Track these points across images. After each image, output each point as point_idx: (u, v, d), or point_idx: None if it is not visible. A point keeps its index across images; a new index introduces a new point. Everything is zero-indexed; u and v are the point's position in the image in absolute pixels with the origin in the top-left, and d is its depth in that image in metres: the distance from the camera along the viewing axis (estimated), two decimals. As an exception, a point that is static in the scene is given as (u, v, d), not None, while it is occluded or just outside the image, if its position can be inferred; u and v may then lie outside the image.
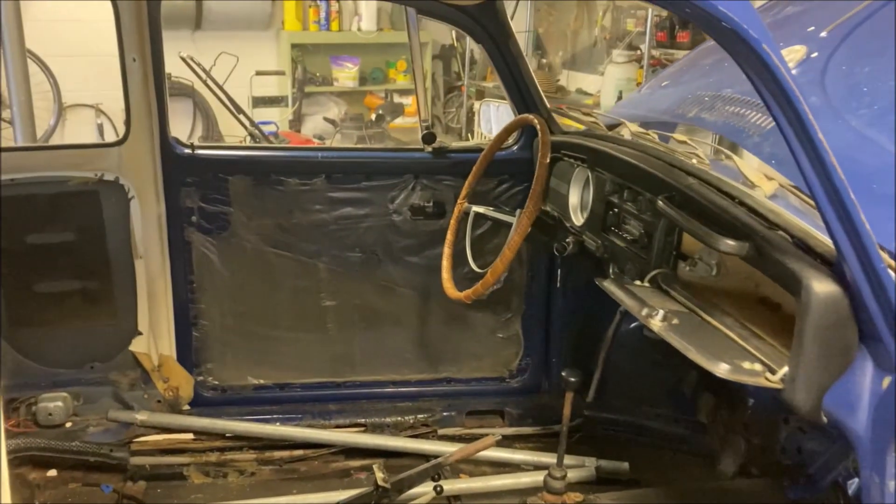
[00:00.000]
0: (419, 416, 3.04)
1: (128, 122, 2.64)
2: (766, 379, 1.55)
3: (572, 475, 2.66)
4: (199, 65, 5.83)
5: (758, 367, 1.59)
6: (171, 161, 2.69)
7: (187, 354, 2.89)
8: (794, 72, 2.06)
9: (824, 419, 1.49)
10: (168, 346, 2.86)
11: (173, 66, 6.00)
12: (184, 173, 2.72)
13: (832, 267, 1.46)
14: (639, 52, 5.90)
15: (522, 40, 7.25)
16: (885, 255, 1.52)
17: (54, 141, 6.46)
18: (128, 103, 2.60)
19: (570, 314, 3.07)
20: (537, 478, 2.55)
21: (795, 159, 1.35)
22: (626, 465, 2.79)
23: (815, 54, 2.06)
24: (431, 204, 2.90)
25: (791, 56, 2.10)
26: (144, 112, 2.61)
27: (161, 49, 2.55)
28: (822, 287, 1.43)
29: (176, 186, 2.72)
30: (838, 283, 1.43)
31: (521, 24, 7.13)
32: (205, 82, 5.91)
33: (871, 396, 1.39)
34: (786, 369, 1.53)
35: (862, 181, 1.67)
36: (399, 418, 3.02)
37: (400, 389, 3.10)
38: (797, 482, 2.41)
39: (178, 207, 2.75)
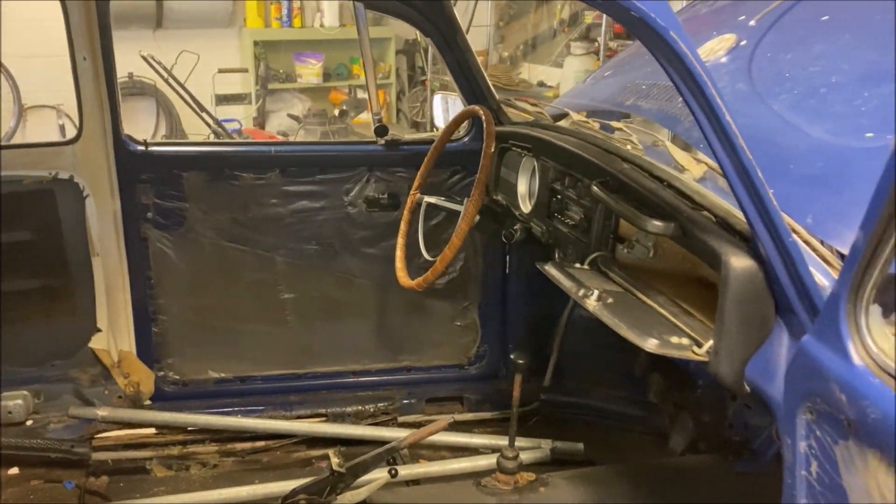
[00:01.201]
0: (380, 404, 3.09)
1: (80, 121, 2.66)
2: (693, 352, 1.63)
3: (528, 456, 2.73)
4: (160, 63, 5.82)
5: (685, 341, 1.67)
6: (125, 158, 2.72)
7: (147, 350, 2.92)
8: (724, 60, 2.15)
9: (747, 388, 1.56)
10: (128, 342, 2.89)
11: (134, 66, 5.99)
12: (138, 170, 2.75)
13: (749, 243, 1.54)
14: (596, 44, 5.99)
15: (483, 34, 7.32)
16: (802, 231, 1.60)
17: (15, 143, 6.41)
18: (80, 102, 2.63)
19: (526, 301, 3.14)
20: (493, 460, 2.61)
21: (707, 141, 1.42)
22: (580, 445, 2.86)
23: (743, 42, 2.14)
24: (386, 196, 2.96)
25: (721, 45, 2.18)
26: (97, 110, 2.64)
27: (111, 47, 2.58)
28: (739, 262, 1.50)
29: (131, 183, 2.75)
30: (754, 259, 1.50)
31: (482, 18, 7.19)
32: (166, 81, 5.90)
33: (787, 365, 1.46)
34: (711, 342, 1.60)
35: (782, 162, 1.76)
36: (360, 407, 3.07)
37: (360, 379, 3.15)
38: (743, 456, 2.50)
39: (134, 204, 2.78)
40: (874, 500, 1.21)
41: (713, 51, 2.15)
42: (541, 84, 6.85)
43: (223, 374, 3.03)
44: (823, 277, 1.45)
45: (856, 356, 1.16)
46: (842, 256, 1.53)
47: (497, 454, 2.58)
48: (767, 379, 1.50)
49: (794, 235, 1.49)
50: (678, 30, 1.33)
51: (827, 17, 2.03)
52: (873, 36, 1.89)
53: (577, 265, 2.11)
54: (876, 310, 1.17)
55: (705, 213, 1.71)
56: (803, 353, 1.32)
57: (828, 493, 1.30)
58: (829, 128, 1.72)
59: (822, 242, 1.55)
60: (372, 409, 3.08)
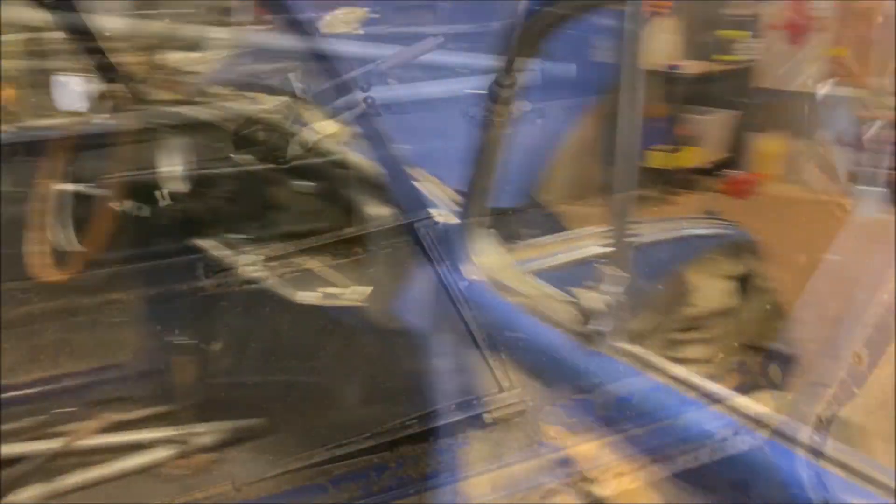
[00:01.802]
0: (35, 417, 2.82)
1: None
2: (348, 299, 1.75)
3: (208, 440, 2.69)
4: None
5: (343, 290, 1.78)
6: None
7: None
8: (361, 31, 2.29)
9: (398, 325, 1.71)
10: None
11: None
12: None
13: (386, 194, 1.68)
14: (237, 26, 5.95)
15: (119, 16, 6.89)
16: (431, 178, 1.78)
17: None
18: None
19: (189, 282, 3.06)
20: (171, 452, 2.55)
21: (342, 105, 1.53)
22: (258, 420, 2.87)
23: (377, 14, 2.31)
24: (14, 187, 2.69)
25: (352, 16, 2.32)
26: None
27: None
28: (377, 211, 1.64)
29: None
30: (391, 206, 1.65)
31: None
32: None
33: (430, 295, 1.62)
34: (363, 289, 1.73)
35: (409, 122, 1.94)
36: (10, 425, 2.77)
37: (6, 394, 2.84)
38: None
39: None
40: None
41: (346, 21, 2.27)
42: (184, 70, 6.64)
43: None
44: (453, 215, 1.63)
45: (471, 274, 1.34)
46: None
47: (174, 445, 2.53)
48: (415, 312, 1.65)
49: (422, 183, 1.66)
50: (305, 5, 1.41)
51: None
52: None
53: (236, 236, 2.12)
54: (484, 234, 1.36)
55: (348, 171, 1.83)
56: (437, 281, 1.48)
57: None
58: (437, 89, 1.94)
59: (448, 186, 1.74)
60: (25, 425, 2.80)
